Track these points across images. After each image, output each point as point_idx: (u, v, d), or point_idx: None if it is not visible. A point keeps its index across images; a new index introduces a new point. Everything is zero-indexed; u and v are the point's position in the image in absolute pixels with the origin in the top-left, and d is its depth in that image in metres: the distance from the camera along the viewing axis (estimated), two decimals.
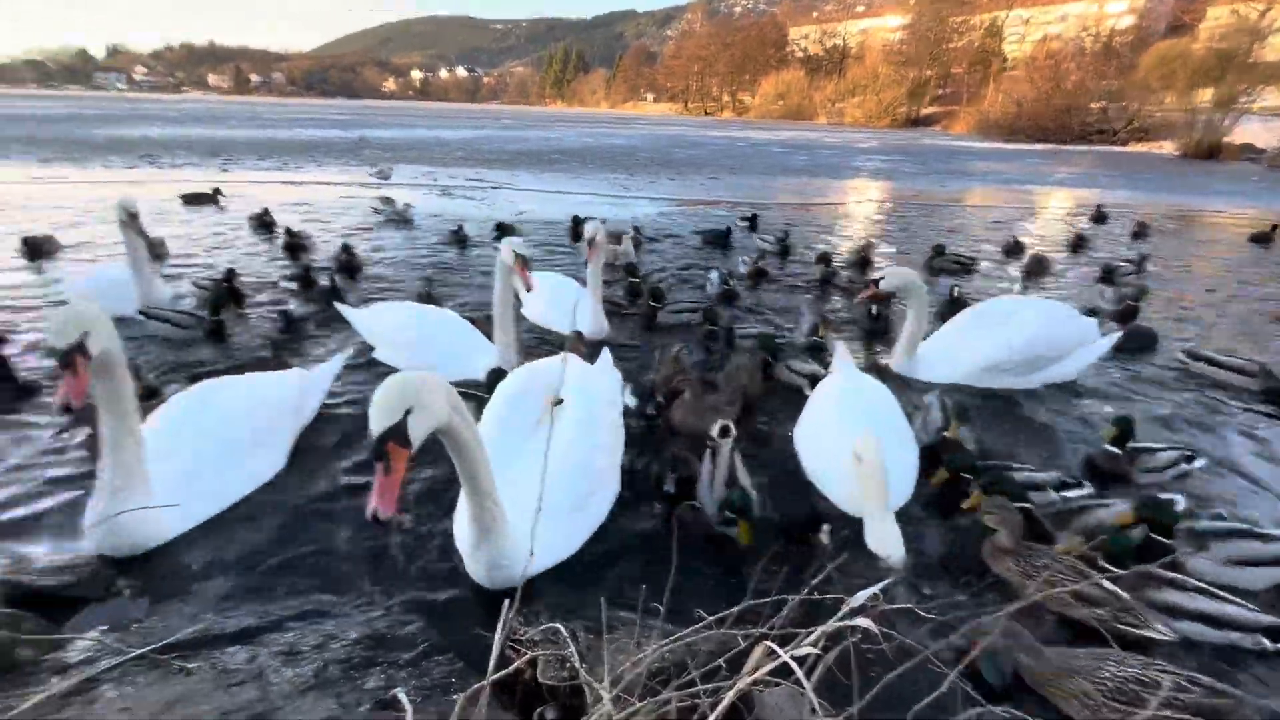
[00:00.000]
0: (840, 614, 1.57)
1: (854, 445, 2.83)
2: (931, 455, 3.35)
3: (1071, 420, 4.18)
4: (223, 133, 29.45)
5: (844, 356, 4.10)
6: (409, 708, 1.69)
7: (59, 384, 2.23)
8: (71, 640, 2.01)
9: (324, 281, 5.95)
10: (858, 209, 14.25)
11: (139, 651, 1.96)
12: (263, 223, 8.75)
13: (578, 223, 9.33)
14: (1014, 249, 9.31)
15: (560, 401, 3.11)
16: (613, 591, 2.60)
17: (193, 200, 10.55)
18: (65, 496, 2.96)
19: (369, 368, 4.47)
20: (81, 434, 3.44)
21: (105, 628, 2.11)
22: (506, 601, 1.70)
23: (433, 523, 2.88)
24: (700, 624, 1.74)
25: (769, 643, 1.36)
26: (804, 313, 5.67)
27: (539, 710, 1.88)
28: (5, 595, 2.06)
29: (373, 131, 33.57)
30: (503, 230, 8.91)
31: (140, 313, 4.98)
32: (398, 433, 1.86)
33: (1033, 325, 4.54)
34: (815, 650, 1.48)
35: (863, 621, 1.52)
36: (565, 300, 5.40)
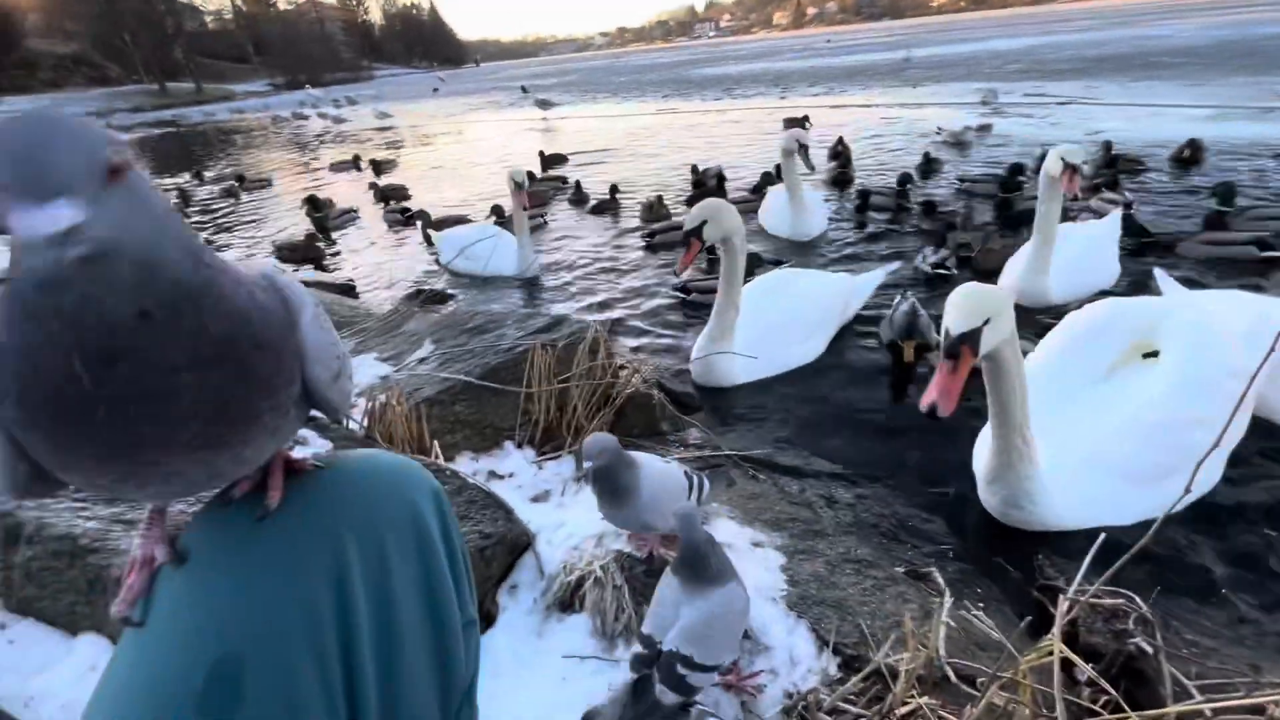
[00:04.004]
0: None
1: None
2: None
3: None
4: (779, 65, 33.04)
5: None
6: (945, 588, 1.76)
7: (680, 256, 3.12)
8: (689, 428, 2.81)
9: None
10: None
11: (729, 452, 2.60)
12: (836, 152, 9.47)
13: (1195, 148, 6.91)
14: None
15: (1154, 354, 2.55)
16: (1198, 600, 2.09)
17: (792, 123, 12.66)
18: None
19: (896, 288, 4.47)
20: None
21: (706, 429, 2.86)
22: (1101, 536, 1.53)
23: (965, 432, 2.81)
24: None
25: None
26: None
27: (1089, 668, 1.70)
28: (658, 385, 3.02)
29: (917, 50, 32.02)
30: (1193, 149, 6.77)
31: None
32: (972, 338, 1.88)
33: None
34: None
35: None
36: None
